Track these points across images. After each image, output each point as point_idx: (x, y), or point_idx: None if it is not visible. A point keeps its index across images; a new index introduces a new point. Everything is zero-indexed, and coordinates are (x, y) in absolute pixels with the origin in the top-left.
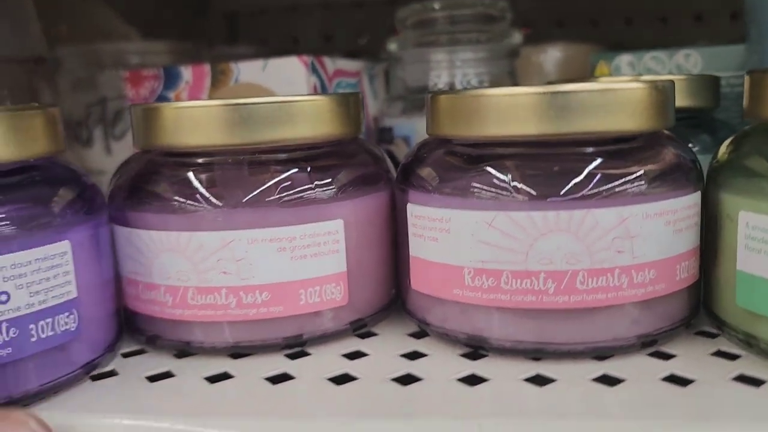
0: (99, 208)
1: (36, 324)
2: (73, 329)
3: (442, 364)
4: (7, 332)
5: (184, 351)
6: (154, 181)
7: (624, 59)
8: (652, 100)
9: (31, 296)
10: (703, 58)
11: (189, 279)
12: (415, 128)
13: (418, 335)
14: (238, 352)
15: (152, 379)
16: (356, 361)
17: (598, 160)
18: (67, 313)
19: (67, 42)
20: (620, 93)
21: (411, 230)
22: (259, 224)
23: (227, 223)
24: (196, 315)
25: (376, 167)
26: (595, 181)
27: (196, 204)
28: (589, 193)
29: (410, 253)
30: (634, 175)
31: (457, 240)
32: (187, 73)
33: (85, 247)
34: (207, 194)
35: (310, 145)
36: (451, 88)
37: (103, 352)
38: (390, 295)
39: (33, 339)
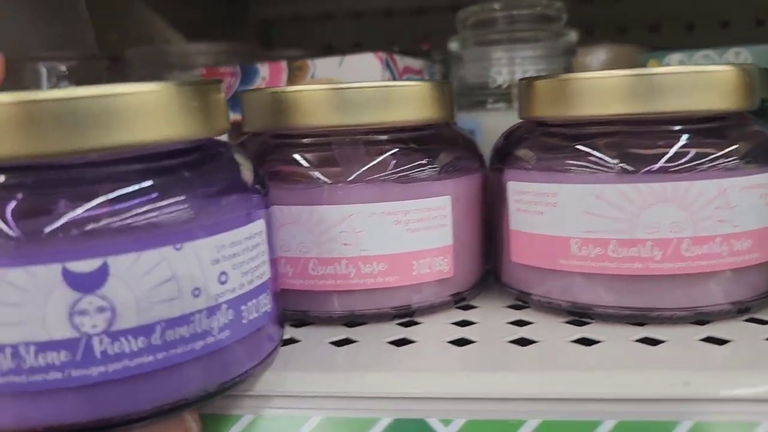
0: (266, 185)
1: (246, 305)
2: (269, 310)
3: (551, 330)
4: (226, 314)
5: (301, 320)
6: (275, 161)
7: (675, 58)
8: (740, 81)
9: (242, 276)
10: (753, 55)
11: (310, 251)
12: (477, 122)
13: (517, 307)
14: (352, 321)
15: (282, 344)
16: (467, 328)
17: (691, 137)
18: (264, 294)
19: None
20: (711, 75)
21: (512, 206)
22: (377, 199)
23: (348, 198)
24: (315, 285)
25: (470, 150)
26: (694, 154)
27: (318, 179)
28: (691, 165)
29: (510, 228)
30: (728, 150)
31: (565, 212)
32: (263, 69)
33: (266, 224)
34: (328, 170)
35: (413, 127)
36: (513, 85)
37: (279, 338)
38: (484, 271)
39: (244, 321)
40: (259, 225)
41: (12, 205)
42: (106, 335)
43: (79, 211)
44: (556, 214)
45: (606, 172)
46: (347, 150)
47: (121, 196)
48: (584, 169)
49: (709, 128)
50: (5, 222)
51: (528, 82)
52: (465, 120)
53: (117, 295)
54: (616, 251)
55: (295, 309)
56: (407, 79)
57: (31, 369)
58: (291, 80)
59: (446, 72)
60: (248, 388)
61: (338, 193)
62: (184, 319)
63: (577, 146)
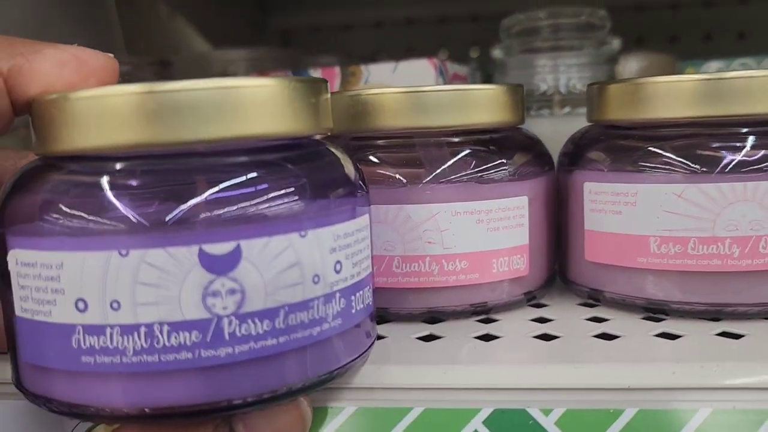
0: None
1: (354, 296)
2: (370, 303)
3: (630, 325)
4: (339, 302)
5: (382, 317)
6: (358, 162)
7: (713, 66)
8: None
9: (353, 267)
10: None
11: (395, 249)
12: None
13: (589, 305)
14: (431, 318)
15: None
16: (547, 324)
17: (760, 138)
18: (368, 287)
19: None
20: None
21: (588, 206)
22: (460, 198)
23: (433, 197)
24: (398, 282)
25: (542, 152)
26: (763, 154)
27: (403, 179)
28: (764, 165)
29: (585, 227)
30: None
31: (644, 211)
32: (316, 73)
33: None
34: (412, 171)
35: (488, 129)
36: (557, 92)
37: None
38: (552, 270)
39: (353, 311)
40: (365, 219)
41: (153, 190)
42: (235, 317)
43: (215, 197)
44: (635, 213)
45: (682, 172)
46: (431, 151)
47: (251, 184)
48: (660, 169)
49: None
50: (147, 206)
51: (600, 86)
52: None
53: (247, 277)
54: (696, 248)
55: (378, 306)
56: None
57: (164, 348)
58: (344, 85)
59: (486, 79)
60: (348, 381)
61: (424, 193)
62: (304, 305)
63: (651, 148)
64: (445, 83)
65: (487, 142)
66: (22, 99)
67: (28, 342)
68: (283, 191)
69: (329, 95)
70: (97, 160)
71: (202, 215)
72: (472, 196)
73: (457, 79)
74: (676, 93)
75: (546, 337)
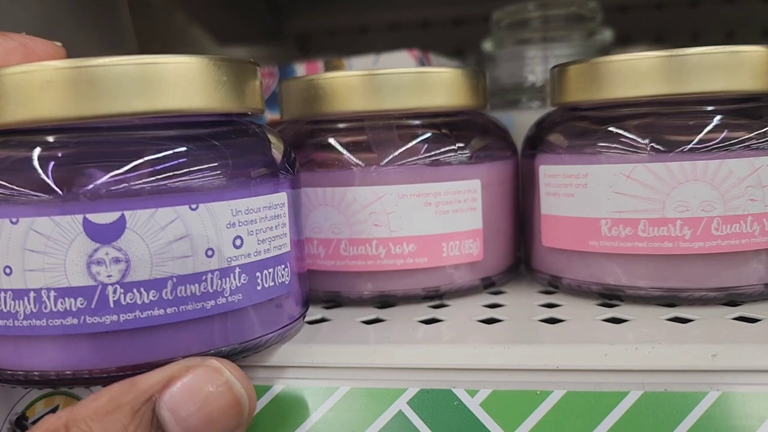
0: (295, 166)
1: (261, 272)
2: (287, 282)
3: (581, 311)
4: (239, 278)
5: (334, 301)
6: (310, 146)
7: None
8: None
9: (259, 243)
10: None
11: (342, 232)
12: (512, 120)
13: (548, 292)
14: (383, 302)
15: (311, 323)
16: (497, 309)
17: (723, 117)
18: (283, 266)
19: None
20: (743, 55)
21: (543, 190)
22: (407, 181)
23: (379, 179)
24: (346, 265)
25: (502, 137)
26: (725, 134)
27: (351, 162)
28: (722, 145)
29: (541, 212)
30: (762, 131)
31: (595, 193)
32: (300, 69)
33: (290, 203)
34: (360, 154)
35: (446, 113)
36: (546, 82)
37: (299, 315)
38: (515, 257)
39: (258, 288)
40: (280, 197)
41: (41, 160)
42: (119, 285)
43: (102, 169)
44: (586, 195)
45: (637, 152)
46: (379, 134)
47: (142, 157)
48: (615, 150)
49: (741, 108)
50: (39, 177)
51: (560, 69)
52: (499, 119)
53: (132, 247)
54: (646, 230)
55: (328, 290)
56: None
57: (51, 313)
58: (306, 75)
59: None
60: (275, 360)
61: (370, 175)
62: (196, 277)
63: (609, 128)
64: None
65: (442, 125)
66: None
67: None
68: (175, 163)
69: (259, 78)
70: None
71: (90, 186)
72: (420, 178)
73: None
74: (632, 72)
75: (490, 321)
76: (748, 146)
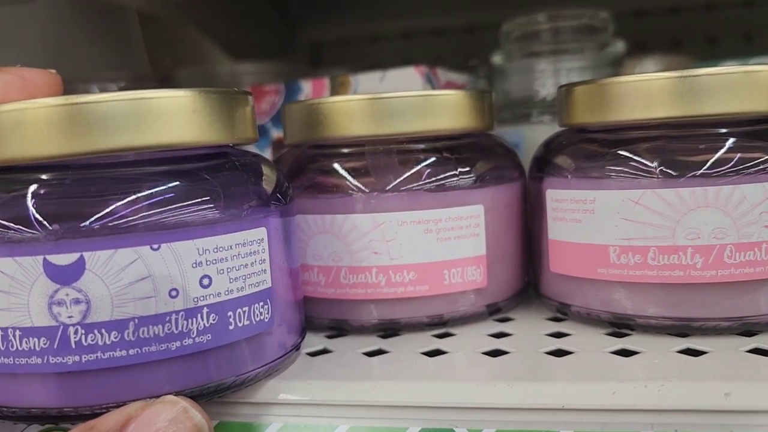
0: (287, 195)
1: (234, 312)
2: (266, 320)
3: (590, 341)
4: (207, 318)
5: (337, 330)
6: (311, 171)
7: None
8: None
9: (230, 282)
10: None
11: (342, 259)
12: (523, 136)
13: (557, 319)
14: (387, 331)
15: (312, 354)
16: (503, 339)
17: (737, 140)
18: (261, 303)
19: (170, 69)
20: (757, 75)
21: (550, 215)
22: (407, 207)
23: (378, 206)
24: (347, 293)
25: (509, 159)
26: (738, 158)
27: (350, 188)
28: (735, 169)
29: (549, 237)
30: None
31: (602, 219)
32: (306, 86)
33: (277, 235)
34: (360, 180)
35: (450, 136)
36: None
37: (292, 347)
38: (523, 282)
39: (231, 327)
40: (259, 233)
41: (5, 202)
42: (80, 326)
43: (61, 209)
44: (593, 220)
45: (646, 177)
46: (379, 160)
47: (106, 195)
48: (623, 174)
49: (756, 131)
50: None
51: (567, 89)
52: (509, 134)
53: (92, 288)
54: (656, 258)
55: (331, 318)
56: None
57: (17, 352)
58: (333, 95)
59: (491, 87)
60: (270, 396)
61: (369, 202)
62: (159, 318)
63: (618, 152)
64: None
65: (444, 149)
66: None
67: None
68: (137, 205)
69: (251, 106)
70: None
71: (50, 227)
72: (421, 205)
73: (451, 87)
74: (642, 93)
75: (496, 353)
76: (763, 170)
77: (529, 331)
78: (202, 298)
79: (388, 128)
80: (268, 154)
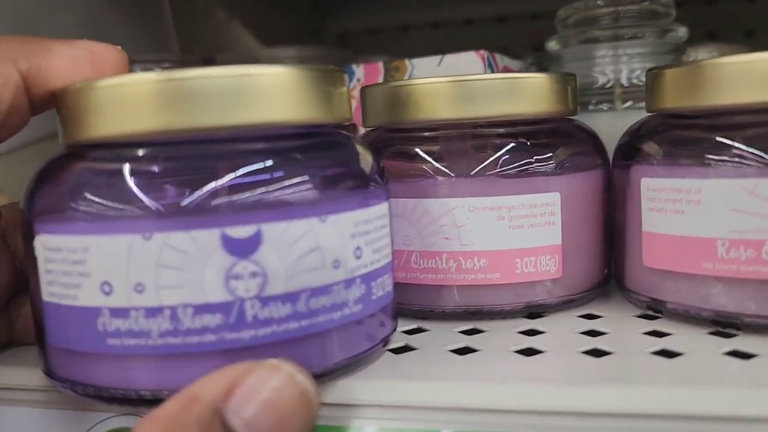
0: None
1: (375, 282)
2: (390, 291)
3: (695, 342)
4: (360, 288)
5: (403, 313)
6: (387, 154)
7: None
8: None
9: (373, 253)
10: None
11: (413, 243)
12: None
13: (647, 316)
14: (459, 318)
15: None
16: (598, 338)
17: None
18: (387, 275)
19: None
20: None
21: (646, 204)
22: (479, 193)
23: (451, 191)
24: (417, 278)
25: (591, 146)
26: None
27: (423, 172)
28: None
29: (643, 229)
30: None
31: (710, 211)
32: (359, 71)
33: (389, 212)
34: (433, 164)
35: (530, 121)
36: (618, 84)
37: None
38: (602, 275)
39: (373, 297)
40: (382, 208)
41: (175, 175)
42: (257, 300)
43: (236, 182)
44: (699, 212)
45: (755, 165)
46: (454, 144)
47: (269, 170)
48: (728, 162)
49: None
50: (169, 190)
51: (657, 72)
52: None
53: (268, 261)
54: None
55: (400, 302)
56: None
57: (188, 331)
58: (386, 81)
59: None
60: (369, 398)
61: (442, 187)
62: (326, 289)
63: (718, 138)
64: None
65: (522, 134)
66: (39, 97)
67: (54, 326)
68: (301, 178)
69: (346, 87)
70: (120, 147)
71: (225, 200)
72: (493, 191)
73: (508, 72)
74: (746, 75)
75: (598, 353)
76: None
77: (623, 329)
78: (356, 269)
79: (466, 112)
80: None
